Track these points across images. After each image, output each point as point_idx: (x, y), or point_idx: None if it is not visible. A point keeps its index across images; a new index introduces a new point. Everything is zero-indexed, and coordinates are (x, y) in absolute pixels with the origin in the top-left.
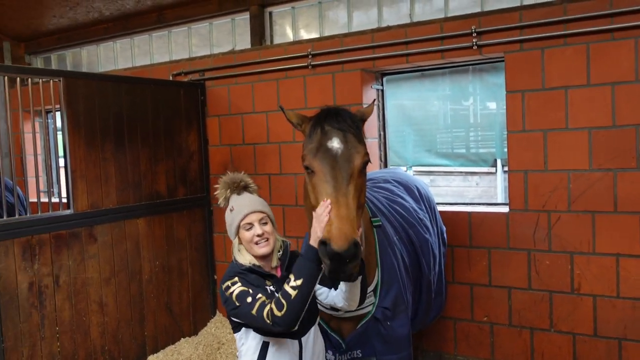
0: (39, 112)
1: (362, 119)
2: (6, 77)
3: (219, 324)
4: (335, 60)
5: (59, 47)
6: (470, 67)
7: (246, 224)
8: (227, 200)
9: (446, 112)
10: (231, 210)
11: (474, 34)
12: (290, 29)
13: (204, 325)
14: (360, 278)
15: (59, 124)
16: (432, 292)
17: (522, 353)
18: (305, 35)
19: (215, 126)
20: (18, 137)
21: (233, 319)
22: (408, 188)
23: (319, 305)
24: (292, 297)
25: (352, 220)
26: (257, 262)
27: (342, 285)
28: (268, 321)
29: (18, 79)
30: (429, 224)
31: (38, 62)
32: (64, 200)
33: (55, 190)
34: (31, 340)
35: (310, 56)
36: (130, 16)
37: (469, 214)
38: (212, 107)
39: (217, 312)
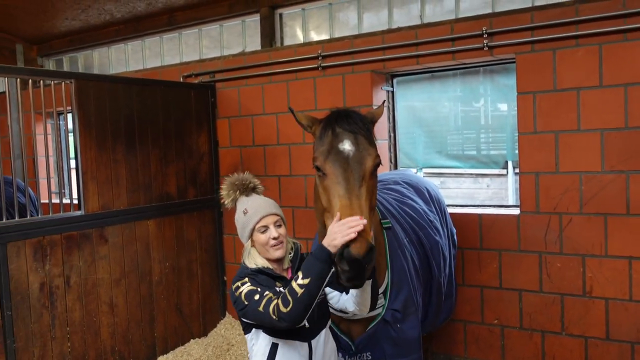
0: (50, 114)
1: (373, 120)
2: (19, 79)
3: (228, 325)
4: (346, 61)
5: (71, 49)
6: (481, 68)
7: (261, 226)
8: (234, 201)
9: (457, 114)
10: (244, 213)
11: (485, 35)
12: (301, 30)
13: (213, 327)
14: (370, 282)
15: (70, 125)
16: (442, 295)
17: (533, 356)
18: (315, 36)
19: (226, 128)
20: (30, 139)
21: (243, 319)
22: (418, 190)
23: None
24: (299, 295)
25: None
26: (269, 265)
27: (352, 290)
28: (274, 316)
29: (30, 80)
30: (439, 225)
31: (50, 64)
32: (75, 202)
33: (67, 191)
34: (42, 340)
35: (320, 58)
36: (141, 18)
37: (480, 216)
38: (223, 108)
39: (227, 313)
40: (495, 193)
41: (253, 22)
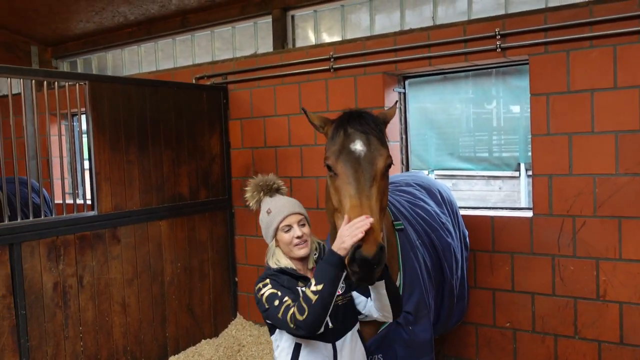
0: (64, 115)
1: (385, 121)
2: (34, 81)
3: (239, 326)
4: (358, 63)
5: (85, 51)
6: (494, 70)
7: (285, 225)
8: (258, 203)
9: (469, 116)
10: (268, 213)
11: (498, 37)
12: (313, 32)
13: (224, 327)
14: (383, 284)
15: (84, 126)
16: (454, 297)
17: None
18: (327, 38)
19: (238, 129)
20: (44, 140)
21: (267, 321)
22: (430, 192)
23: None
24: (313, 302)
25: (375, 223)
26: (292, 265)
27: (371, 295)
28: (291, 325)
29: (45, 82)
30: (451, 228)
31: (64, 66)
32: (89, 202)
33: (80, 192)
34: (55, 339)
35: (332, 59)
36: (154, 20)
37: (492, 218)
38: (235, 110)
39: (238, 314)
40: (508, 195)
41: (265, 24)
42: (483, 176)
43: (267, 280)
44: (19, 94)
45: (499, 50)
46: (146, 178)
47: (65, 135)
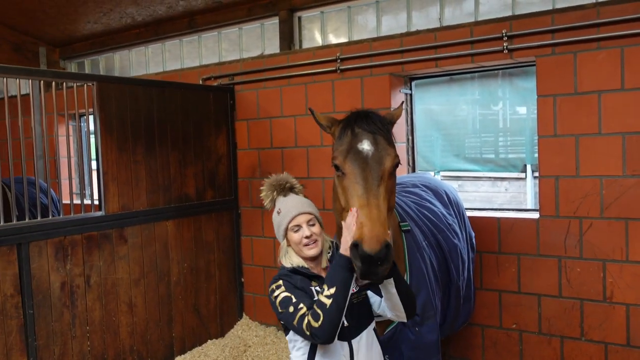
0: (72, 116)
1: (392, 121)
2: (42, 81)
3: (245, 326)
4: (364, 64)
5: (93, 52)
6: (500, 71)
7: (294, 225)
8: (273, 202)
9: (475, 117)
10: (278, 213)
11: (505, 38)
12: (319, 33)
13: (230, 328)
14: (392, 283)
15: (91, 127)
16: (460, 298)
17: None
18: (334, 39)
19: (244, 130)
20: (52, 140)
21: (281, 322)
22: (437, 193)
23: None
24: (327, 306)
25: (383, 221)
26: (305, 264)
27: (382, 294)
28: (307, 333)
29: (53, 83)
30: (458, 229)
31: (72, 67)
32: (96, 202)
33: (88, 192)
34: (62, 339)
35: (338, 60)
36: (161, 21)
37: (498, 219)
38: (241, 111)
39: (244, 314)
40: (514, 197)
41: (272, 25)
42: (489, 177)
43: (280, 282)
44: (28, 94)
45: (505, 51)
46: (153, 178)
47: (72, 136)
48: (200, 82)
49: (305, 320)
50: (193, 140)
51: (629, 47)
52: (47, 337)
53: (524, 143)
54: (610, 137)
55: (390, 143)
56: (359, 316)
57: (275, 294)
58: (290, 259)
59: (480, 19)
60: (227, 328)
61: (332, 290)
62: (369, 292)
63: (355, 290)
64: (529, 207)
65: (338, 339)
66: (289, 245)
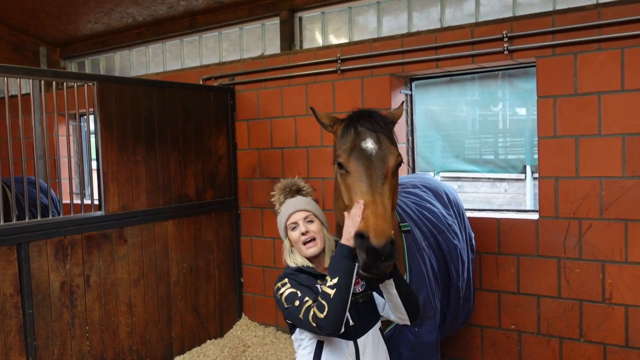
0: (73, 116)
1: (393, 121)
2: (42, 81)
3: (244, 326)
4: (365, 65)
5: (93, 52)
6: (500, 72)
7: (291, 223)
8: (281, 205)
9: (475, 118)
10: (279, 213)
11: (505, 39)
12: (320, 34)
13: (230, 328)
14: (392, 283)
15: (92, 127)
16: (460, 299)
17: None
18: (334, 40)
19: (244, 130)
20: (52, 140)
21: (287, 321)
22: (437, 193)
23: None
24: (332, 297)
25: (388, 218)
26: (310, 264)
27: (384, 295)
28: (313, 324)
29: (53, 82)
30: (457, 230)
31: (72, 67)
32: (96, 202)
33: (87, 192)
34: (62, 338)
35: (339, 61)
36: (162, 21)
37: (498, 220)
38: (241, 111)
39: (243, 314)
40: (513, 198)
41: (273, 25)
42: (489, 178)
43: (286, 280)
44: (28, 94)
45: (506, 52)
46: (153, 178)
47: (73, 136)
48: (201, 82)
49: (311, 313)
50: (193, 140)
51: (629, 48)
52: (46, 337)
53: (523, 144)
54: (610, 138)
55: (393, 142)
56: (365, 315)
57: (281, 291)
58: (295, 259)
59: (480, 19)
60: (226, 328)
61: (335, 280)
62: (374, 294)
63: (360, 290)
64: (528, 208)
65: (344, 338)
66: (292, 245)
